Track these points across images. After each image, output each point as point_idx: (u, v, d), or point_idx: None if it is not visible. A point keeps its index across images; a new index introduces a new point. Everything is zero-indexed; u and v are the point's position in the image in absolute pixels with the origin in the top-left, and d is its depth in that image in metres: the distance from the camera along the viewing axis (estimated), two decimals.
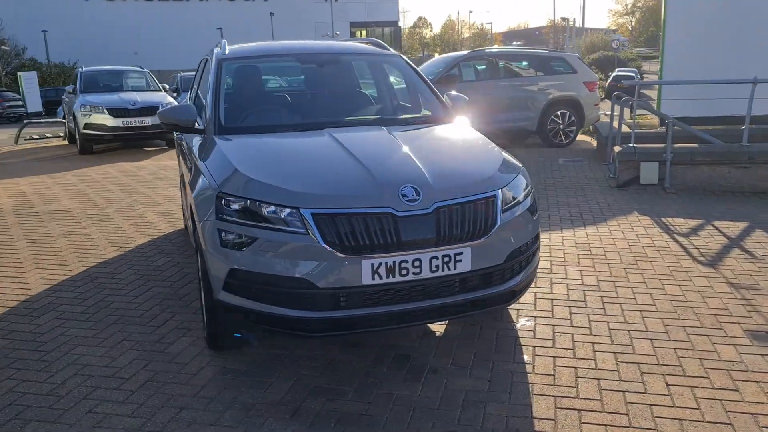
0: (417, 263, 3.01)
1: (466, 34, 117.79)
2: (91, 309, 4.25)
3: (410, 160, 3.34)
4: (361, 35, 74.60)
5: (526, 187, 3.55)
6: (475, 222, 3.14)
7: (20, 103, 29.54)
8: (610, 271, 4.75)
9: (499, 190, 3.28)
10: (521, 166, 3.71)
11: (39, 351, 3.67)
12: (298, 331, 3.06)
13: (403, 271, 3.00)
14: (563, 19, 77.64)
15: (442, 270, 3.07)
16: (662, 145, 7.87)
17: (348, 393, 3.14)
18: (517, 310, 4.06)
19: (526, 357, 3.47)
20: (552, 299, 4.24)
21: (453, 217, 3.09)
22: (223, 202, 3.13)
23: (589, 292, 4.35)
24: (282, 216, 3.01)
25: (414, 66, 4.68)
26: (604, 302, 4.17)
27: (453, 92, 4.67)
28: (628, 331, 3.74)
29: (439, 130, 4.06)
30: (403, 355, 3.52)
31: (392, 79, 4.80)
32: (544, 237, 5.68)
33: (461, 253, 3.09)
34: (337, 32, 55.17)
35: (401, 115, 4.36)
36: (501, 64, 11.64)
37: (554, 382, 3.19)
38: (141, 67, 15.19)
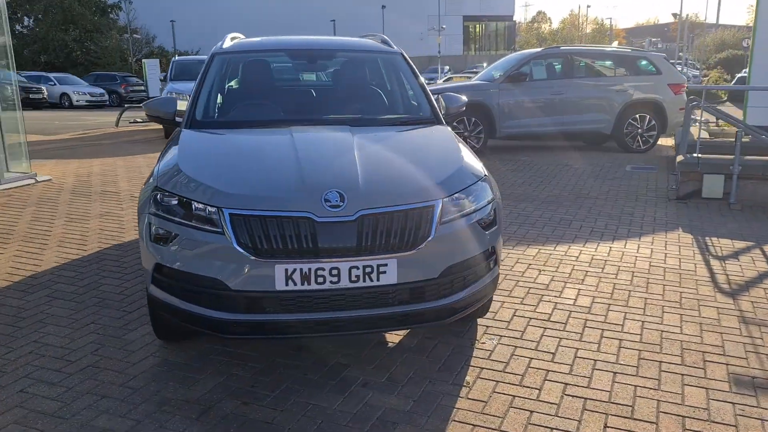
0: (335, 272, 2.89)
1: (588, 30, 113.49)
2: (81, 290, 4.45)
3: (352, 164, 3.20)
4: (474, 29, 73.74)
5: (485, 198, 3.32)
6: (404, 233, 2.96)
7: (143, 88, 31.75)
8: (611, 293, 4.37)
9: (440, 200, 3.07)
10: (485, 174, 3.47)
11: (13, 326, 3.87)
12: (216, 332, 3.03)
13: (320, 279, 2.88)
14: (674, 14, 72.66)
15: (364, 281, 2.92)
16: (731, 157, 7.15)
17: (267, 398, 3.08)
18: (486, 326, 3.83)
19: (468, 379, 3.25)
20: (530, 318, 3.95)
21: (378, 226, 2.93)
22: (158, 197, 3.15)
23: (576, 314, 4.02)
24: (206, 215, 2.98)
25: (412, 65, 4.51)
26: (586, 327, 3.83)
27: (452, 94, 4.45)
28: (595, 361, 3.42)
29: (411, 134, 3.89)
30: (343, 364, 3.40)
31: (388, 77, 4.63)
32: (561, 249, 5.33)
33: (386, 265, 2.93)
34: (443, 26, 54.73)
35: (382, 115, 4.20)
36: (579, 62, 11.04)
37: (482, 410, 2.97)
38: None
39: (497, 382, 3.21)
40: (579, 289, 4.43)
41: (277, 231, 2.87)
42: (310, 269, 2.87)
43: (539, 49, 11.97)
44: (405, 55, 4.59)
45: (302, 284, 2.88)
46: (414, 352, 3.54)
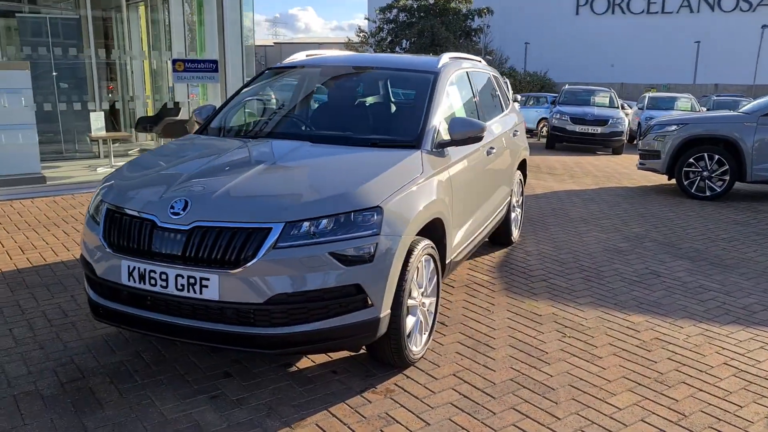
0: (164, 276, 2.97)
1: None
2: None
3: (234, 176, 3.22)
4: None
5: (360, 230, 2.99)
6: (228, 250, 2.88)
7: None
8: (609, 381, 3.40)
9: (281, 224, 2.89)
10: (377, 206, 3.07)
11: (46, 287, 4.55)
12: (92, 313, 3.35)
13: (152, 281, 3.00)
14: None
15: (188, 291, 2.94)
16: None
17: (130, 383, 3.23)
18: (406, 377, 3.39)
19: (306, 423, 2.96)
20: (462, 382, 3.35)
21: (206, 239, 2.91)
22: (96, 194, 3.60)
23: (520, 393, 3.26)
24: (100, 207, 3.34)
25: (436, 87, 4.11)
26: (507, 410, 3.10)
27: (463, 118, 3.96)
28: None
29: (353, 156, 3.63)
30: (227, 374, 3.39)
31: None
32: (633, 320, 4.29)
33: (208, 279, 2.90)
34: None
35: (359, 134, 3.95)
36: None
37: None
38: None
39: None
40: (574, 366, 3.56)
41: (128, 229, 3.08)
42: (145, 270, 3.01)
43: None
44: (439, 76, 4.22)
45: (139, 282, 3.03)
46: (300, 380, 3.34)
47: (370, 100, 4.48)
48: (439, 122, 3.94)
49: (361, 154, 3.68)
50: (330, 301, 2.95)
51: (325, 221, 2.96)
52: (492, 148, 4.76)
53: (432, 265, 3.58)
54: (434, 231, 3.68)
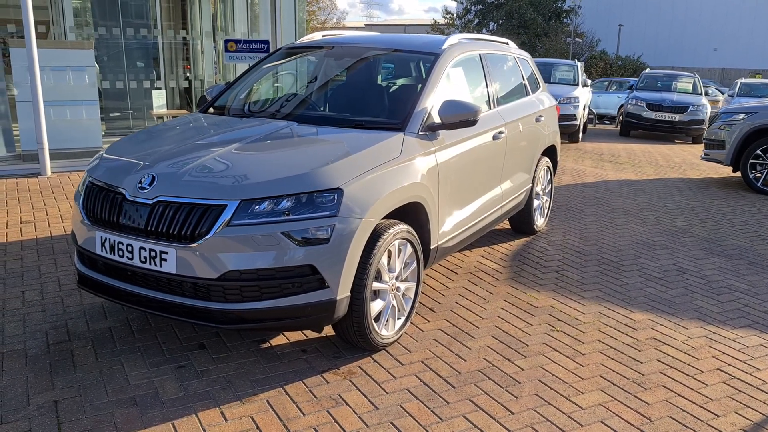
0: (130, 248, 3.08)
1: None
2: None
3: (206, 153, 3.30)
4: None
5: (317, 211, 2.98)
6: (184, 225, 2.95)
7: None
8: (583, 372, 3.26)
9: (236, 202, 2.93)
10: (339, 187, 3.05)
11: (36, 263, 4.87)
12: (77, 279, 3.51)
13: (120, 252, 3.12)
14: None
15: (150, 264, 3.04)
16: None
17: (107, 346, 3.40)
18: (374, 363, 3.37)
19: (253, 399, 3.02)
20: (426, 377, 3.30)
21: (166, 214, 2.99)
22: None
23: (483, 383, 3.18)
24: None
25: (435, 69, 4.00)
26: (464, 399, 3.03)
27: (456, 100, 3.82)
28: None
29: (329, 136, 3.65)
30: (200, 345, 3.49)
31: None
32: (638, 317, 4.06)
33: (166, 253, 2.99)
34: None
35: (347, 115, 3.91)
36: None
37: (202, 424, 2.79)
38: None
39: (269, 408, 2.92)
40: (550, 361, 3.42)
41: (102, 201, 3.21)
42: (114, 241, 3.13)
43: None
44: (439, 58, 4.10)
45: (110, 253, 3.17)
46: (267, 356, 3.39)
47: (367, 81, 4.42)
48: (432, 105, 3.85)
49: (339, 135, 3.67)
50: (283, 280, 2.97)
51: (283, 201, 2.98)
52: (500, 132, 4.60)
53: (410, 249, 3.53)
54: (415, 215, 3.63)
